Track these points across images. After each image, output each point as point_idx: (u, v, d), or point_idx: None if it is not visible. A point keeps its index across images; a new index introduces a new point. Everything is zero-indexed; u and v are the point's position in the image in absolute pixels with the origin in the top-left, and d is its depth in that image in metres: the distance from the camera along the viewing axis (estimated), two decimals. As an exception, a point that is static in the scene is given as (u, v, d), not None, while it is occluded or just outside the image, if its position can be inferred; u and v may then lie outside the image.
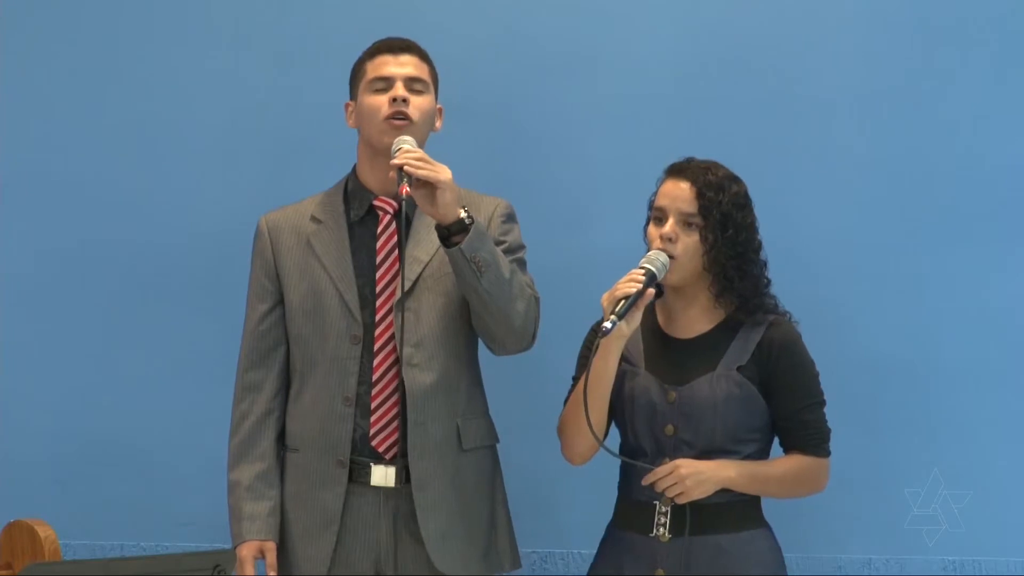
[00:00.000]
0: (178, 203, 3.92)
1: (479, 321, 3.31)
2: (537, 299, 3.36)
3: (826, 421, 3.32)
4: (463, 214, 3.21)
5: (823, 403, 3.31)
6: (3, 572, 2.95)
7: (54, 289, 3.93)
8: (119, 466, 3.90)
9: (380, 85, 3.34)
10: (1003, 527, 3.83)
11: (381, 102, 3.32)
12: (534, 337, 3.36)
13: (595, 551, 3.36)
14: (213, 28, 3.96)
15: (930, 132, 3.89)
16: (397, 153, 3.23)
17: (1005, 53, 3.89)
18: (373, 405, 3.30)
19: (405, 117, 3.31)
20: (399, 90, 3.32)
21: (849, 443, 3.79)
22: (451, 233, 3.22)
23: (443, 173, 3.19)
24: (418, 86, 3.35)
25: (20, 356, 3.92)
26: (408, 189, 3.17)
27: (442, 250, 3.26)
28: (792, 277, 3.75)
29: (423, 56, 3.40)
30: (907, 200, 3.89)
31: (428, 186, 3.19)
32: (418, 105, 3.33)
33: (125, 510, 3.89)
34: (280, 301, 3.39)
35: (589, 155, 3.91)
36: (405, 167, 3.18)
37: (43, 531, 2.92)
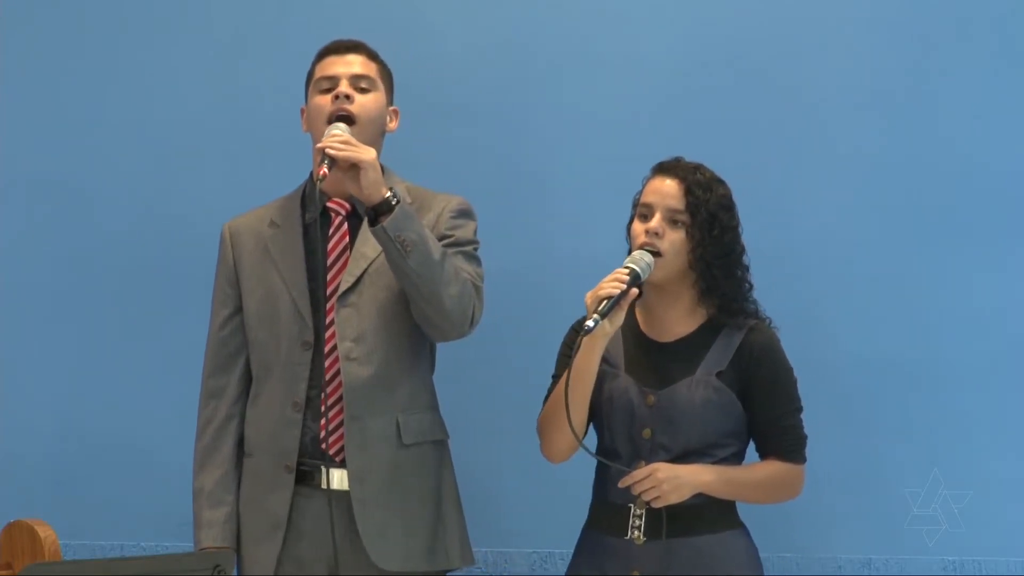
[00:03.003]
0: (178, 203, 3.92)
1: (414, 306, 3.29)
2: (477, 287, 3.33)
3: (803, 427, 3.31)
4: (388, 194, 3.21)
5: (800, 409, 3.31)
6: (3, 572, 2.94)
7: (54, 289, 3.93)
8: (119, 466, 3.91)
9: (325, 85, 3.35)
10: (1003, 527, 3.83)
11: (325, 102, 3.33)
12: (472, 324, 3.32)
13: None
14: (213, 30, 3.96)
15: (930, 132, 3.89)
16: (324, 138, 3.24)
17: (1005, 53, 3.89)
18: (324, 408, 3.30)
19: (348, 115, 3.31)
20: (342, 86, 3.32)
21: (849, 443, 3.80)
22: (378, 214, 3.21)
23: (366, 154, 3.20)
24: (364, 84, 3.35)
25: (20, 356, 3.92)
26: (326, 170, 3.18)
27: None
28: (793, 277, 3.76)
29: (371, 55, 3.39)
30: (908, 200, 3.88)
31: (353, 168, 3.19)
32: (362, 103, 3.33)
33: (125, 510, 3.89)
34: (240, 307, 3.40)
35: (587, 156, 3.91)
36: (327, 149, 3.19)
37: (43, 531, 2.91)
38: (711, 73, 3.91)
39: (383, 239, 3.20)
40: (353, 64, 3.36)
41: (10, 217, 3.94)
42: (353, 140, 3.22)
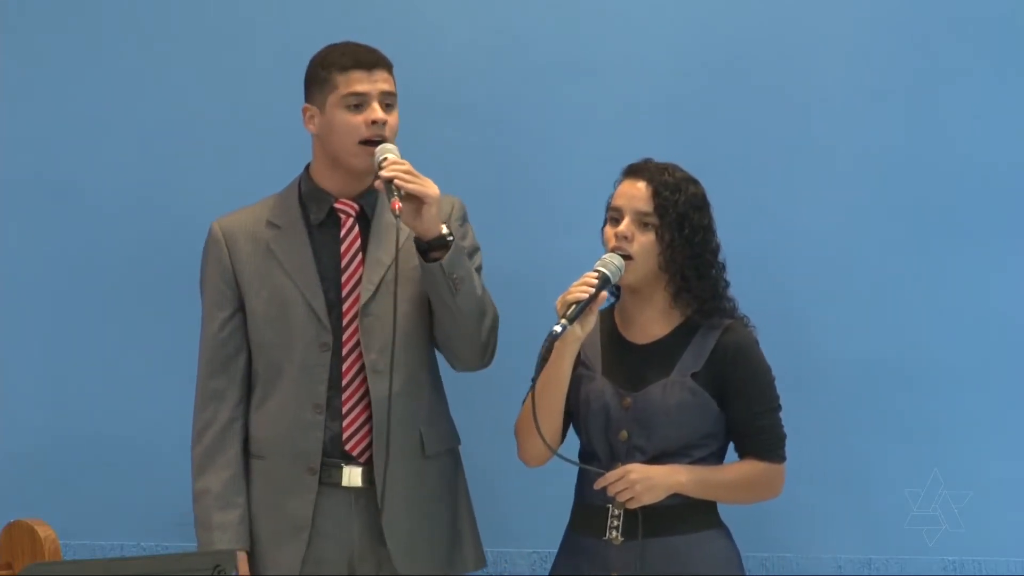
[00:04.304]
0: (177, 203, 3.92)
1: (444, 335, 3.32)
2: (497, 316, 3.36)
3: (781, 426, 3.31)
4: (445, 230, 3.21)
5: (778, 408, 3.30)
6: (3, 572, 2.94)
7: (54, 289, 3.93)
8: (119, 466, 3.90)
9: (354, 102, 3.30)
10: (1003, 527, 3.83)
11: (357, 122, 3.29)
12: (493, 355, 3.37)
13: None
14: (214, 30, 3.95)
15: (929, 132, 3.89)
16: (383, 164, 3.22)
17: (1005, 53, 3.89)
18: (344, 409, 3.30)
19: (382, 139, 3.29)
20: (378, 112, 3.29)
21: (849, 443, 3.80)
22: (430, 248, 3.22)
23: (431, 188, 3.19)
24: (389, 100, 3.33)
25: (20, 356, 3.92)
26: (400, 204, 3.15)
27: (404, 251, 3.27)
28: (793, 277, 3.76)
29: (391, 68, 3.36)
30: (909, 200, 3.88)
31: (415, 200, 3.18)
32: (391, 124, 3.31)
33: (125, 510, 3.89)
34: (239, 308, 3.37)
35: (587, 156, 3.91)
36: (396, 180, 3.18)
37: (43, 531, 2.92)
38: (711, 73, 3.91)
39: (437, 275, 3.20)
40: (380, 82, 3.31)
41: (9, 217, 3.93)
42: (413, 169, 3.20)
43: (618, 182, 3.33)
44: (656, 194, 3.25)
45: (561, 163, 3.92)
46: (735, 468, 3.29)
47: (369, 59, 3.32)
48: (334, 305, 3.32)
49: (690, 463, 3.24)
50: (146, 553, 3.82)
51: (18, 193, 3.94)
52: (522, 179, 3.91)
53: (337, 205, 3.36)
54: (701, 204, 3.29)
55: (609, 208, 3.32)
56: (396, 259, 3.24)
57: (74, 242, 3.94)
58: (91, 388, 3.92)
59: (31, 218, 3.94)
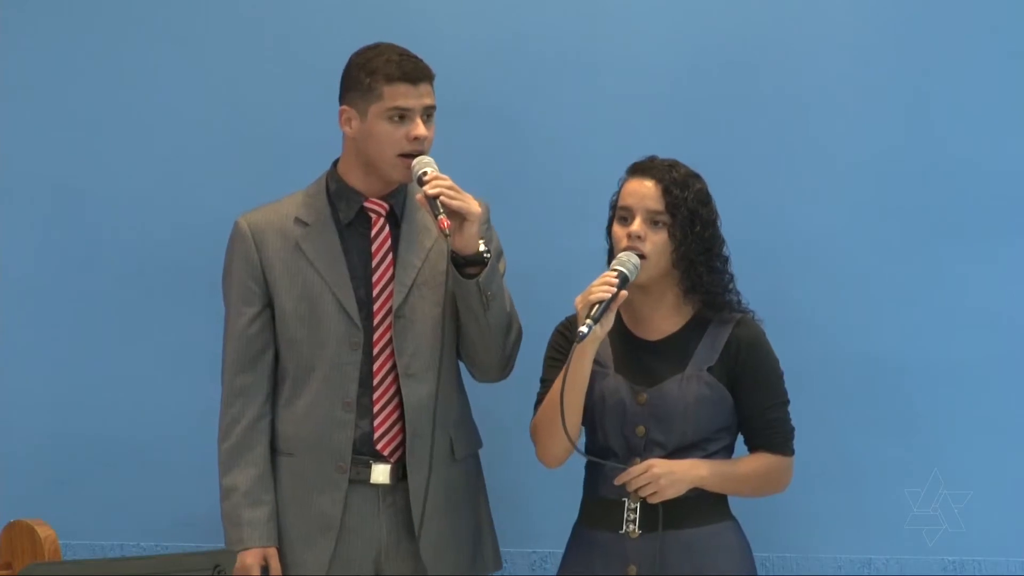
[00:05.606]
0: (177, 202, 3.92)
1: (469, 346, 3.33)
2: (521, 330, 3.38)
3: (791, 420, 3.33)
4: (482, 247, 3.22)
5: (787, 402, 3.33)
6: (3, 572, 2.95)
7: (54, 289, 3.93)
8: (119, 466, 3.90)
9: (398, 114, 3.29)
10: (1003, 527, 3.83)
11: (398, 136, 3.28)
12: (512, 368, 3.39)
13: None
14: (216, 30, 3.95)
15: (929, 132, 3.89)
16: (425, 178, 3.22)
17: (1005, 53, 3.89)
18: (375, 409, 3.32)
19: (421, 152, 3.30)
20: (421, 129, 3.28)
21: (849, 443, 3.80)
22: (466, 262, 3.23)
23: (474, 206, 3.21)
24: (430, 113, 3.32)
25: (20, 356, 3.92)
26: (448, 222, 3.16)
27: (433, 253, 3.30)
28: (792, 276, 3.76)
29: (433, 79, 3.34)
30: (909, 199, 3.88)
31: (457, 216, 3.19)
32: (431, 137, 3.32)
33: (125, 510, 3.89)
34: (267, 304, 3.37)
35: (587, 156, 3.91)
36: (441, 197, 3.19)
37: (43, 531, 2.92)
38: (710, 73, 3.91)
39: (472, 290, 3.22)
40: (424, 96, 3.30)
41: (10, 218, 3.93)
42: (456, 186, 3.21)
43: (623, 181, 3.33)
44: (666, 192, 3.26)
45: (563, 162, 3.92)
46: (750, 461, 3.31)
47: (415, 72, 3.30)
48: (364, 304, 3.33)
49: (704, 456, 3.25)
50: (146, 553, 3.82)
51: (17, 192, 3.94)
52: (524, 179, 3.91)
53: (367, 204, 3.36)
54: (707, 199, 3.30)
55: (616, 207, 3.32)
56: (448, 266, 3.26)
57: (74, 242, 3.94)
58: (91, 388, 3.92)
59: (31, 218, 3.94)
